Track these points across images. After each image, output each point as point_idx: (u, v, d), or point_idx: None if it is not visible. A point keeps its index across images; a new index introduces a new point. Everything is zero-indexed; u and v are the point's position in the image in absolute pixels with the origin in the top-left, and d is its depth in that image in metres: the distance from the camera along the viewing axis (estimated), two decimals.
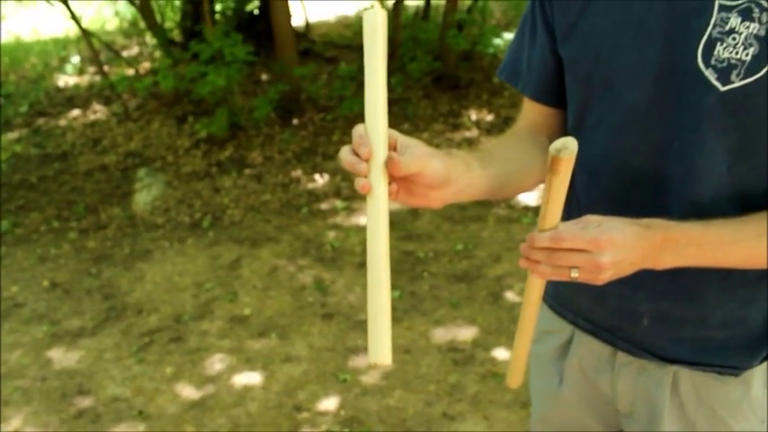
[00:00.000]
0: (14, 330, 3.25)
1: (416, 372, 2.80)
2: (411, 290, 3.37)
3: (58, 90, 6.68)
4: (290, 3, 5.37)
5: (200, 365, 2.92)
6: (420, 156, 0.83)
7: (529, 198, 4.11)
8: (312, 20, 7.66)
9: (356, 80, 5.61)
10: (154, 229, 4.19)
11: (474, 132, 5.21)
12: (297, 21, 6.86)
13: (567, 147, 0.78)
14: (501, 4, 7.64)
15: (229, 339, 3.09)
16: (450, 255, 3.67)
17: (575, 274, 0.85)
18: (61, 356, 3.04)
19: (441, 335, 3.02)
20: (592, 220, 0.86)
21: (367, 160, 0.81)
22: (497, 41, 5.52)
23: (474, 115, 5.49)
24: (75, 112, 6.07)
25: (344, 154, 0.83)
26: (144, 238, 4.09)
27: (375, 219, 0.81)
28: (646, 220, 0.87)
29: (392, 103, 5.65)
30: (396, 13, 5.51)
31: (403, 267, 3.58)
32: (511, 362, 1.07)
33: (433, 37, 6.10)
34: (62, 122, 5.89)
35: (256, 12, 6.68)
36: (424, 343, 2.97)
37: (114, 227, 4.25)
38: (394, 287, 3.36)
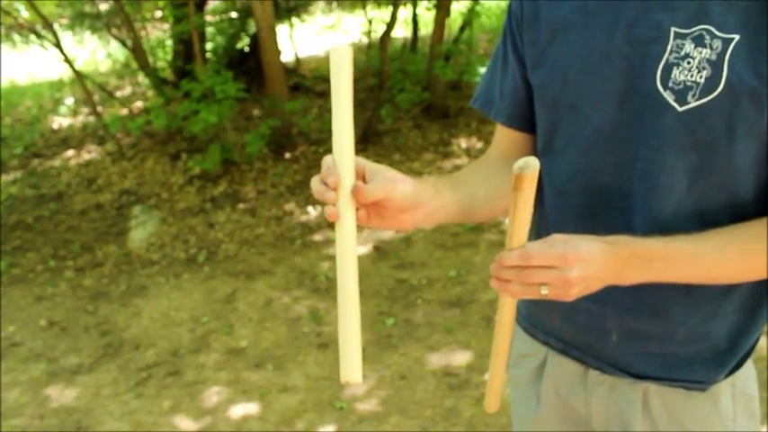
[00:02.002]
0: (12, 369, 3.26)
1: (412, 397, 2.82)
2: (405, 317, 3.41)
3: (53, 131, 6.75)
4: (279, 39, 5.48)
5: (198, 398, 2.94)
6: (386, 182, 0.88)
7: None
8: (301, 55, 7.79)
9: None
10: (149, 266, 4.23)
11: (464, 160, 5.28)
12: (286, 57, 6.98)
13: (530, 165, 0.82)
14: (486, 34, 7.79)
15: (226, 371, 3.11)
16: (443, 281, 3.71)
17: (544, 292, 0.87)
18: (59, 394, 3.05)
19: (435, 360, 3.05)
20: (558, 238, 0.89)
21: (335, 189, 0.86)
22: (484, 70, 5.61)
23: (464, 143, 5.57)
24: (70, 153, 6.14)
25: (314, 183, 0.88)
26: (140, 275, 4.12)
27: (343, 244, 0.85)
28: (610, 237, 0.91)
29: (382, 134, 5.74)
30: (383, 46, 5.62)
31: (397, 295, 3.61)
32: (488, 386, 1.09)
33: (421, 68, 6.22)
34: (57, 163, 5.95)
35: (246, 49, 6.79)
36: (419, 369, 3.00)
37: (110, 264, 4.29)
38: (389, 315, 3.42)
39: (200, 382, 3.05)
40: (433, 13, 6.16)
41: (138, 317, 3.65)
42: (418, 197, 0.92)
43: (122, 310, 3.74)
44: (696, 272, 0.94)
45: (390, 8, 5.80)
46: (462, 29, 6.38)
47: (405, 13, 6.81)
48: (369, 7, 6.46)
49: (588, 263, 0.87)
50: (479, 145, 5.50)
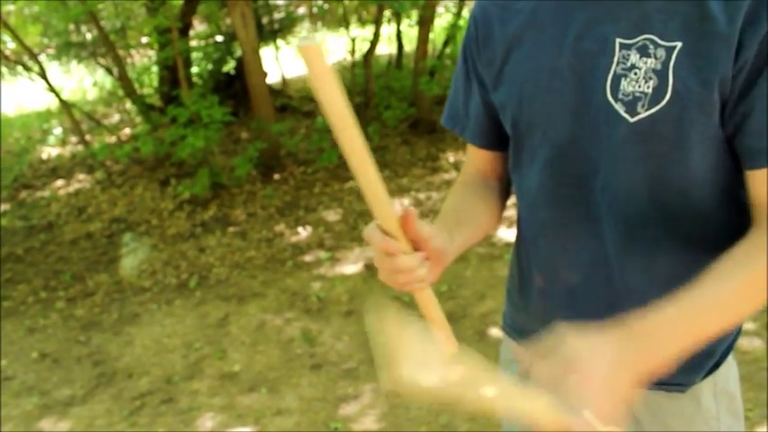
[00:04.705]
0: (4, 404, 3.24)
1: (407, 415, 2.81)
2: None
3: (42, 162, 6.76)
4: (263, 62, 5.50)
5: (193, 425, 2.93)
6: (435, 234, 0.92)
7: (509, 235, 4.17)
8: (288, 76, 7.83)
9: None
10: (141, 293, 4.22)
11: (452, 174, 5.30)
12: (273, 78, 7.01)
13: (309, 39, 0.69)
14: None
15: (220, 397, 3.10)
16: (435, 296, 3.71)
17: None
18: (52, 427, 3.03)
19: None
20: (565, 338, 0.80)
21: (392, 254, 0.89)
22: None
23: (452, 157, 5.60)
24: (59, 183, 6.14)
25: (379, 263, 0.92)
26: (132, 303, 4.11)
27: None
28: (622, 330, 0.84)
29: (370, 151, 5.75)
30: (367, 64, 5.66)
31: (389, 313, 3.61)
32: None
33: (407, 84, 6.25)
34: (46, 193, 5.95)
35: (232, 72, 6.82)
36: None
37: (102, 293, 4.27)
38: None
39: (195, 409, 3.03)
40: (416, 29, 6.21)
41: (130, 345, 3.63)
42: (446, 249, 0.95)
43: (115, 339, 3.72)
44: (700, 326, 0.87)
45: (373, 26, 5.84)
46: (446, 43, 6.43)
47: (388, 30, 6.86)
48: (352, 26, 6.50)
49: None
50: None
